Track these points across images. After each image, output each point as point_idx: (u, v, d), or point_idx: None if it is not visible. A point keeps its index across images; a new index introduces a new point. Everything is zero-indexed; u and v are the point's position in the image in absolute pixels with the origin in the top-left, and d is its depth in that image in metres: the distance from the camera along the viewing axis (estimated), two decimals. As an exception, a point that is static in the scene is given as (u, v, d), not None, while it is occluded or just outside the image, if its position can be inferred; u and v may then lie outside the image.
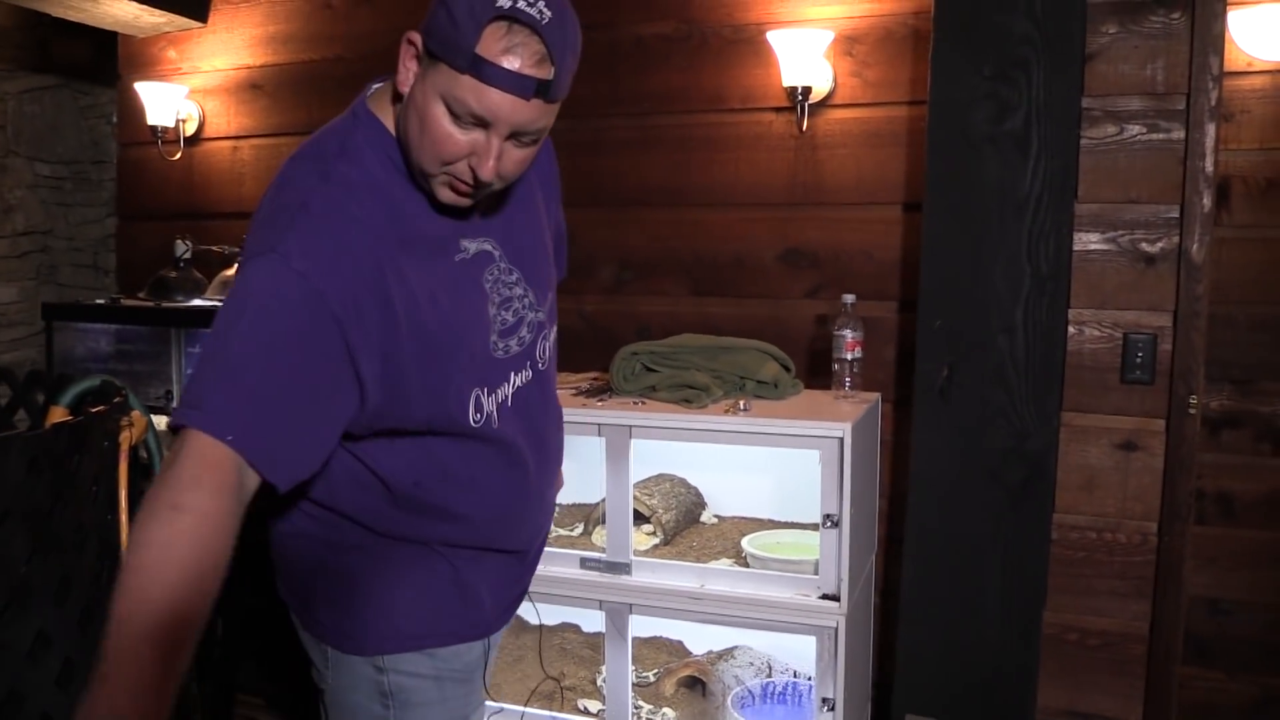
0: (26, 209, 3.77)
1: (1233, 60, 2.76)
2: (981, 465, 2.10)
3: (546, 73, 1.08)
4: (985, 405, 2.09)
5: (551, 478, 1.47)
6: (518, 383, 1.33)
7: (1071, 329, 2.18)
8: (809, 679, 1.98)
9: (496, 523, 1.37)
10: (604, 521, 2.05)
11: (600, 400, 2.10)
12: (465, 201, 1.18)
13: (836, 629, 1.88)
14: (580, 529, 2.23)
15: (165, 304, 2.73)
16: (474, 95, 1.08)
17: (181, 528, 0.98)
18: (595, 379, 2.38)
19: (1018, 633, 2.12)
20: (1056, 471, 2.18)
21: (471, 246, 1.26)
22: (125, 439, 1.16)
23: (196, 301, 2.74)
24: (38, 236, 3.83)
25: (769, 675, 2.15)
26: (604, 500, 2.03)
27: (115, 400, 1.20)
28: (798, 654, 2.10)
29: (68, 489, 1.06)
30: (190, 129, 3.20)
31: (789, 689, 2.12)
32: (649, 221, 2.59)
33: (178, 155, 3.20)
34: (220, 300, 2.62)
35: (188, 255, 2.82)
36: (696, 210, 2.55)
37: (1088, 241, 2.17)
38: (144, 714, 0.91)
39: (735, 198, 2.51)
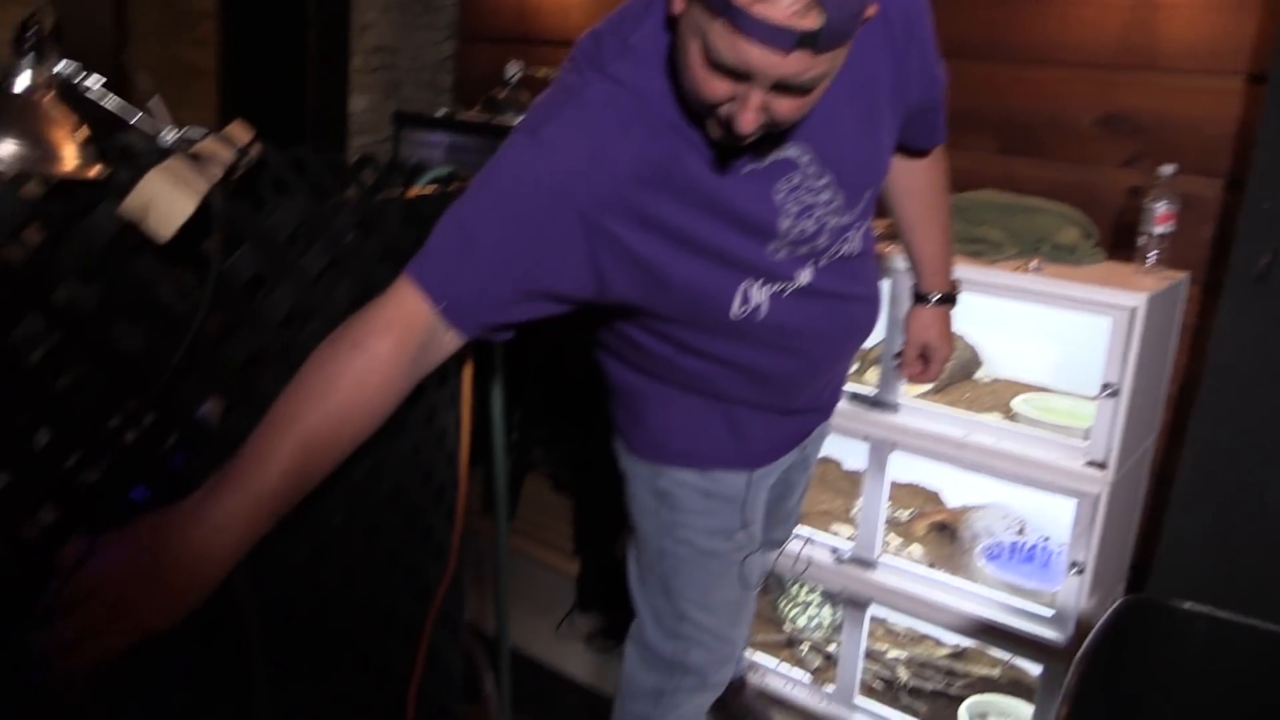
0: (379, 28, 4.15)
1: None
2: (1290, 359, 1.97)
3: (813, 22, 0.92)
4: (1307, 296, 1.94)
5: (844, 354, 1.52)
6: (802, 280, 1.31)
7: None
8: (1061, 545, 2.00)
9: (766, 394, 1.45)
10: (879, 363, 2.12)
11: (890, 246, 2.13)
12: (739, 143, 1.08)
13: (1099, 496, 1.87)
14: (855, 367, 2.30)
15: (496, 120, 2.97)
16: (727, 43, 0.95)
17: (355, 365, 1.00)
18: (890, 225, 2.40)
19: (1300, 540, 2.02)
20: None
21: (765, 157, 1.18)
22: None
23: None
24: (386, 54, 4.21)
25: (1021, 534, 2.18)
26: (882, 342, 2.09)
27: (461, 182, 1.38)
28: (1054, 521, 2.10)
29: (407, 255, 1.24)
30: (528, -43, 3.38)
31: (1039, 550, 2.14)
32: (960, 75, 2.49)
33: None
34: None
35: (518, 77, 3.03)
36: (1013, 66, 2.45)
37: None
38: (250, 528, 0.92)
39: (1057, 55, 2.38)
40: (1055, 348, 2.24)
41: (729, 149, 1.13)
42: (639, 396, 1.51)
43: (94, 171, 1.29)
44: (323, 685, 1.21)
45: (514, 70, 3.02)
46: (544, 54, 3.27)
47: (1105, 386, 1.86)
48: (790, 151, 1.19)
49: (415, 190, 1.37)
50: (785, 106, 1.02)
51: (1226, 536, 2.06)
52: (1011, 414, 2.04)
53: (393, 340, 1.03)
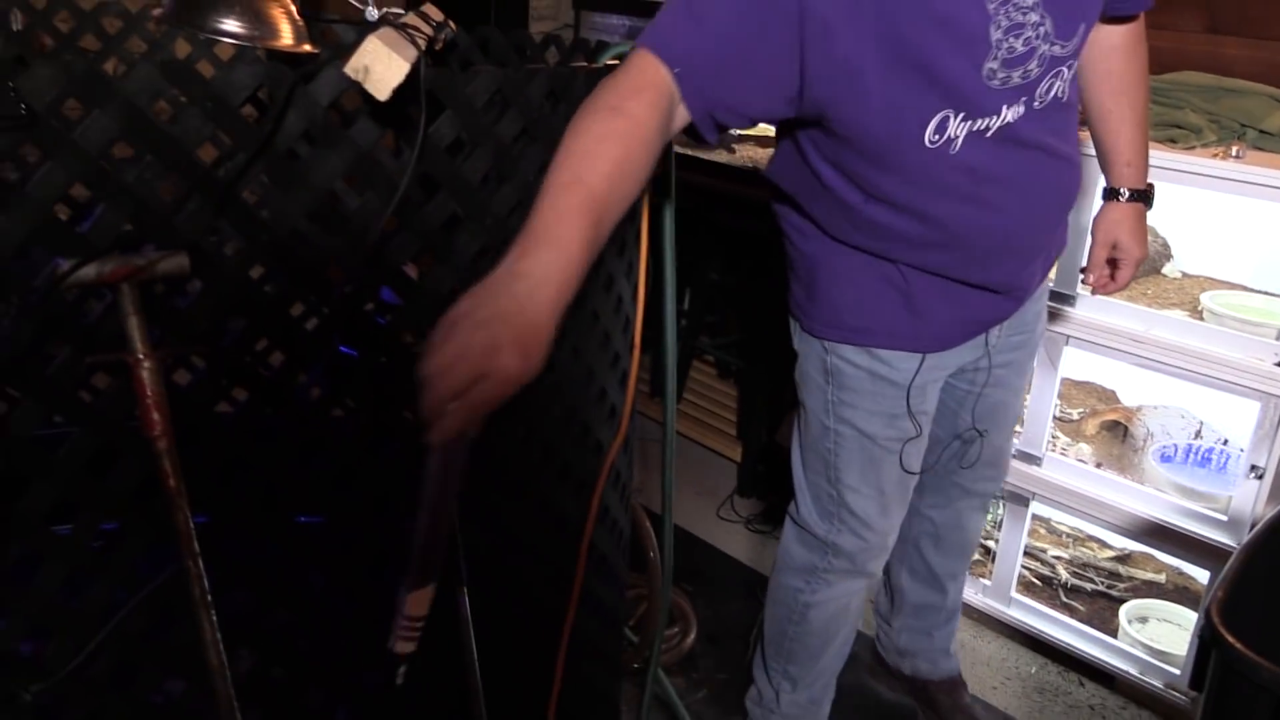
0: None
1: None
2: None
3: None
4: None
5: (1045, 222, 1.45)
6: (1009, 117, 1.28)
7: None
8: (1241, 448, 1.93)
9: (954, 259, 1.41)
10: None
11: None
12: None
13: (1287, 398, 1.80)
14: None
15: None
16: None
17: (617, 126, 1.05)
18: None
19: None
20: None
21: None
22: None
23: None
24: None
25: (1197, 436, 2.11)
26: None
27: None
28: (1235, 423, 2.03)
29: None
30: None
31: (1216, 453, 2.08)
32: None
33: None
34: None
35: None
36: (1233, -63, 2.27)
37: None
38: (567, 275, 0.94)
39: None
40: (1255, 243, 2.12)
41: None
42: (818, 267, 1.51)
43: (308, 46, 1.39)
44: (505, 531, 1.33)
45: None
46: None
47: (1305, 282, 1.76)
48: None
49: (600, 63, 1.42)
50: None
51: None
52: (1198, 310, 1.96)
53: (646, 102, 1.09)
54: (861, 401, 1.56)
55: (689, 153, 2.69)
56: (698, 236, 2.83)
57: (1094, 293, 1.75)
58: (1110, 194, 1.64)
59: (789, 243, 1.57)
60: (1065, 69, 1.30)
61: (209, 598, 1.05)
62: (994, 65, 1.22)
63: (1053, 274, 2.05)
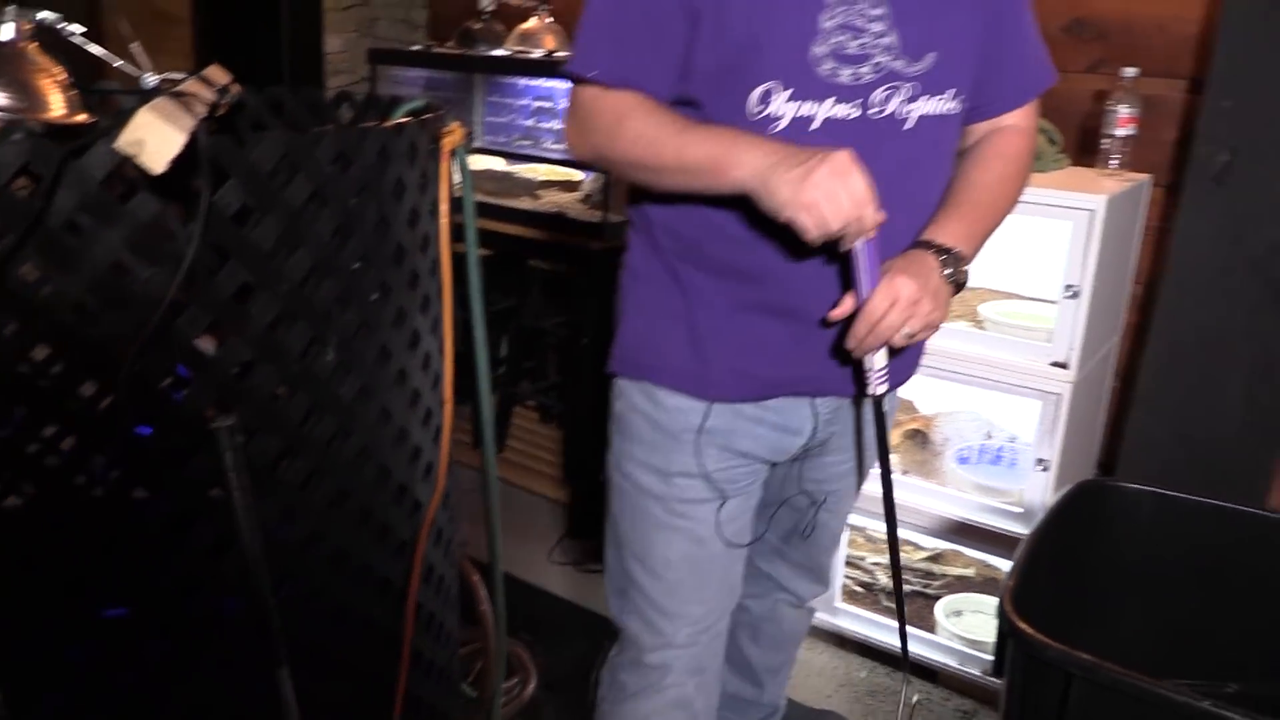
0: (353, -36, 4.13)
1: None
2: (1248, 258, 2.04)
3: None
4: (1265, 195, 2.00)
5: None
6: (837, 113, 1.21)
7: (1382, 119, 2.02)
8: (1028, 444, 2.08)
9: (751, 268, 1.28)
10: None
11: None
12: None
13: (1061, 395, 1.96)
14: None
15: (469, 53, 2.99)
16: None
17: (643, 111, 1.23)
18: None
19: (1259, 433, 2.11)
20: (1336, 273, 2.08)
21: None
22: (447, 142, 1.39)
23: (498, 51, 2.96)
24: (360, -10, 4.20)
25: (989, 437, 2.27)
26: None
27: (436, 115, 1.43)
28: (1022, 422, 2.19)
29: (385, 185, 1.29)
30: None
31: (1007, 451, 2.23)
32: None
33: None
34: (520, 51, 2.85)
35: (491, 8, 3.03)
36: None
37: None
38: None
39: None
40: (1022, 254, 2.30)
41: None
42: (627, 292, 1.42)
43: (82, 117, 1.34)
44: (325, 601, 1.30)
45: (487, 1, 3.03)
46: (515, -16, 3.27)
47: (1067, 288, 1.93)
48: None
49: (392, 122, 1.42)
50: None
51: (1188, 431, 2.15)
52: (978, 320, 2.12)
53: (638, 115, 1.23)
54: (639, 452, 1.39)
55: (496, 201, 2.71)
56: (511, 283, 2.85)
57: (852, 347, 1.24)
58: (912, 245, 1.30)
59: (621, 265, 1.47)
60: (909, 87, 1.23)
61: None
62: (821, 51, 1.19)
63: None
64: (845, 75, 1.20)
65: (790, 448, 1.42)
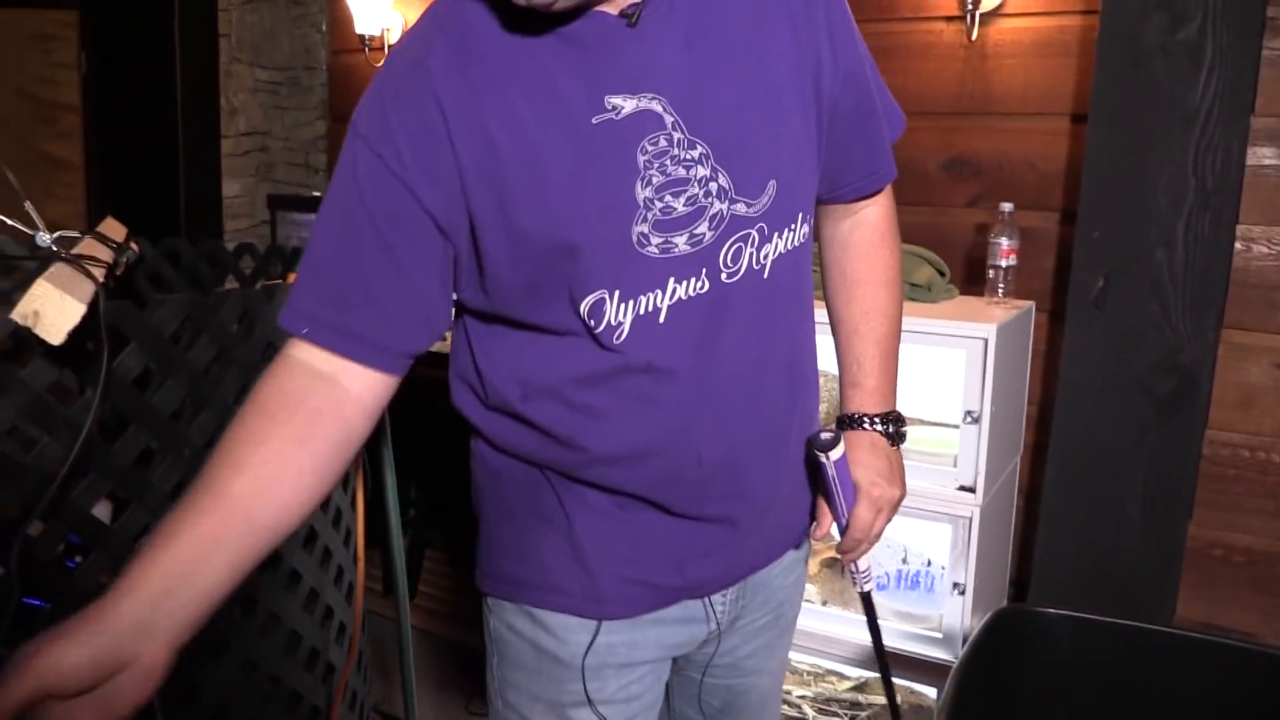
0: (248, 111, 4.16)
1: None
2: (1131, 375, 2.14)
3: None
4: (1139, 317, 2.12)
5: (750, 434, 1.07)
6: (681, 293, 0.98)
7: (1239, 245, 2.16)
8: (942, 568, 2.11)
9: (617, 467, 1.05)
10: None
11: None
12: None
13: (971, 519, 1.99)
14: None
15: (370, 198, 3.00)
16: None
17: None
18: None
19: (1158, 542, 2.17)
20: (1211, 387, 2.20)
21: (625, 105, 0.94)
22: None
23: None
24: (257, 137, 4.23)
25: (904, 562, 2.29)
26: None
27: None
28: (934, 546, 2.22)
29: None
30: (393, 37, 3.45)
31: (923, 576, 2.25)
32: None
33: (381, 61, 3.46)
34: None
35: (390, 153, 3.07)
36: (863, 119, 2.61)
37: (1262, 156, 2.14)
38: None
39: (901, 106, 2.55)
40: (920, 381, 2.37)
41: (586, 68, 0.95)
42: (484, 496, 1.17)
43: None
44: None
45: (387, 148, 3.06)
46: (416, 131, 3.33)
47: (967, 414, 1.99)
48: (653, 104, 0.96)
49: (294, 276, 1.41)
50: None
51: (1093, 545, 2.21)
52: (887, 447, 2.15)
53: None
54: (524, 681, 1.15)
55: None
56: (419, 425, 2.80)
57: (842, 555, 1.20)
58: (848, 422, 1.19)
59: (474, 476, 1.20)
60: (756, 233, 1.01)
61: None
62: (644, 229, 0.96)
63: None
64: (681, 244, 0.97)
65: (699, 635, 1.17)
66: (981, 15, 2.40)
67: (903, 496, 1.17)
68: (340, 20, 3.53)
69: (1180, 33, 2.05)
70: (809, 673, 2.45)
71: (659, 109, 0.95)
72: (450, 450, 2.78)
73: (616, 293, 0.97)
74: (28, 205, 1.41)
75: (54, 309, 0.89)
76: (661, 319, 0.99)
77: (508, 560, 1.13)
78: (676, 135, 0.96)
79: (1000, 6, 2.41)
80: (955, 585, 2.02)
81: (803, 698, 2.39)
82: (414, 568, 2.91)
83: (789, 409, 1.11)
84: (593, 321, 0.97)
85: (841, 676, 2.42)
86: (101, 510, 1.13)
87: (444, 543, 2.91)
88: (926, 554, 2.28)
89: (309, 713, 1.34)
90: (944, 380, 2.14)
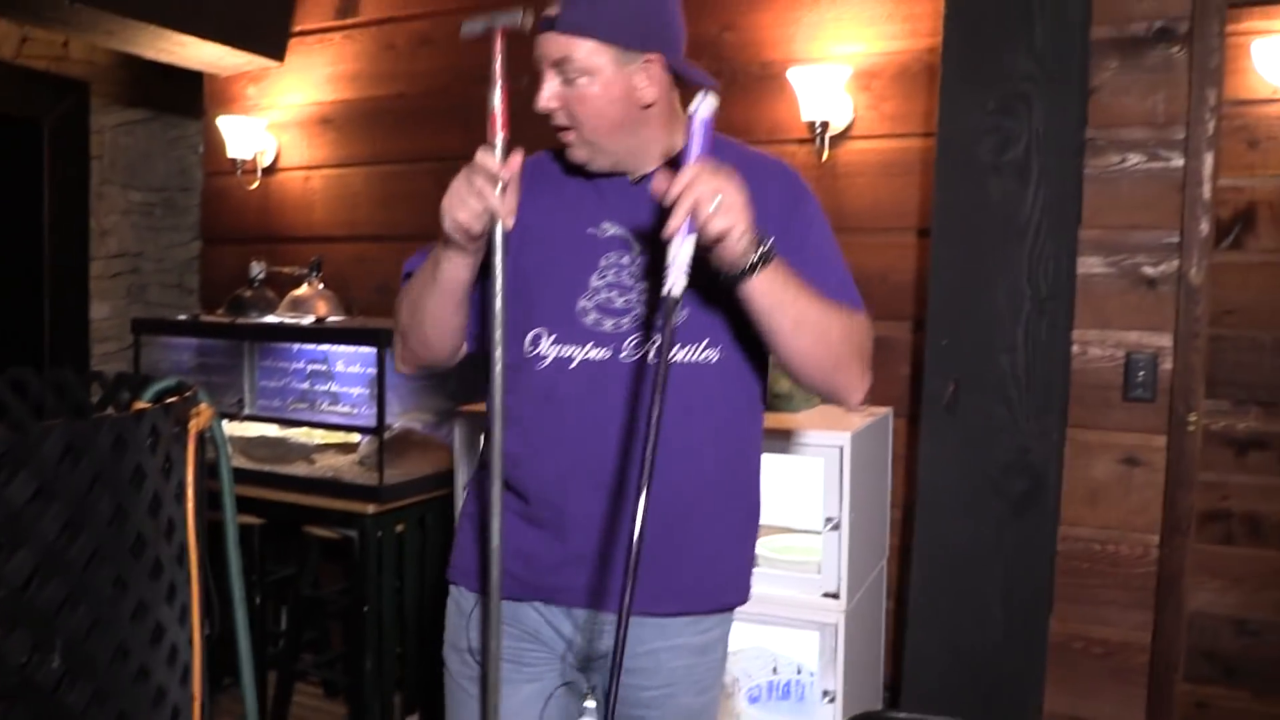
0: (119, 233, 4.10)
1: (1255, 89, 2.85)
2: (985, 476, 2.22)
3: (554, 10, 1.32)
4: (988, 419, 2.21)
5: (580, 472, 1.40)
6: (593, 355, 1.39)
7: (1075, 348, 2.29)
8: (812, 675, 2.11)
9: (516, 462, 1.42)
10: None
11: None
12: (568, 139, 1.38)
13: (837, 625, 2.01)
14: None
15: (240, 320, 2.98)
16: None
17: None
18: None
19: (1022, 638, 2.23)
20: (1061, 484, 2.29)
21: (609, 229, 1.41)
22: (194, 426, 1.36)
23: (269, 318, 2.97)
24: (129, 259, 4.15)
25: (775, 672, 2.29)
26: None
27: (186, 395, 1.40)
28: (803, 653, 2.23)
29: (121, 474, 1.24)
30: (267, 160, 3.46)
31: (794, 685, 2.25)
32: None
33: (255, 184, 3.47)
34: (292, 316, 2.86)
35: (262, 276, 3.06)
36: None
37: (1091, 265, 2.29)
38: None
39: (762, 224, 2.67)
40: (783, 487, 2.41)
41: (595, 203, 1.43)
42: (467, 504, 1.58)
43: None
44: None
45: (257, 270, 3.05)
46: (288, 252, 3.33)
47: (827, 520, 2.03)
48: (628, 237, 1.41)
49: (139, 404, 1.38)
50: (567, 95, 1.34)
51: (959, 645, 2.25)
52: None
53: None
54: (450, 636, 1.55)
55: (268, 468, 2.63)
56: (288, 551, 2.73)
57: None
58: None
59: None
60: (678, 348, 1.37)
61: None
62: (587, 304, 1.40)
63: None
64: (607, 325, 1.39)
65: (557, 647, 1.48)
66: (831, 138, 2.53)
67: (739, 217, 1.20)
68: (215, 143, 3.53)
69: (1008, 153, 2.20)
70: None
71: (629, 238, 1.41)
72: (320, 580, 2.71)
73: (552, 336, 1.41)
74: None
75: None
76: (573, 365, 1.40)
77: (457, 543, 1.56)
78: (635, 265, 1.40)
79: (848, 129, 2.56)
80: (825, 693, 2.03)
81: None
82: (282, 702, 2.78)
83: (630, 466, 1.38)
84: (531, 348, 1.42)
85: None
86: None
87: (315, 673, 2.80)
88: (796, 661, 2.28)
89: None
90: (805, 488, 2.19)
